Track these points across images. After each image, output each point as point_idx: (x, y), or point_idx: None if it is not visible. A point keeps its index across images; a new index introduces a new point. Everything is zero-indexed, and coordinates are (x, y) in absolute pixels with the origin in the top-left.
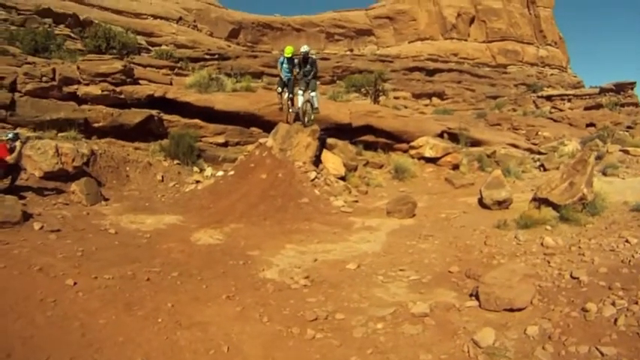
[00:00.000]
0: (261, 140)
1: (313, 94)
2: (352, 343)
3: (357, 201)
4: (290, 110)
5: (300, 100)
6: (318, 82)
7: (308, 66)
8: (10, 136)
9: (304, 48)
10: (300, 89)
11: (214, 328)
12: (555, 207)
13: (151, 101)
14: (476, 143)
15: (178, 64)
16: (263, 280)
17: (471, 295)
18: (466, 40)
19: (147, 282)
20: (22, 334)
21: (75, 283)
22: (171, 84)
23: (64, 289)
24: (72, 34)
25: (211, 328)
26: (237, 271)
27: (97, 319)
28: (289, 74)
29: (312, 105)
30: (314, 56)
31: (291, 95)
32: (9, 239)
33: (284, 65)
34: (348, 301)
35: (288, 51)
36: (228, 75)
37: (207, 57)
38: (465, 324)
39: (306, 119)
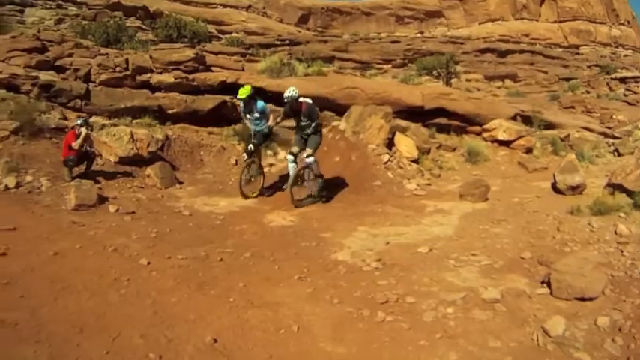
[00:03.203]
0: (334, 123)
1: (311, 159)
2: (422, 327)
3: (429, 184)
4: (252, 179)
5: (290, 167)
6: (319, 139)
7: (303, 118)
8: (79, 122)
9: (289, 92)
10: (291, 152)
11: (285, 308)
12: (629, 194)
13: (224, 87)
14: (549, 126)
15: (249, 51)
16: (335, 261)
17: (542, 282)
18: (537, 21)
19: (220, 262)
20: (96, 310)
21: (149, 263)
22: (243, 70)
23: (137, 269)
24: (143, 26)
25: (282, 308)
26: (309, 252)
27: (170, 297)
28: (254, 125)
29: (312, 172)
30: (309, 101)
31: (249, 160)
32: (85, 221)
33: (247, 114)
34: (418, 285)
35: (242, 92)
36: (300, 60)
37: (278, 43)
38: (535, 311)
39: (315, 189)
